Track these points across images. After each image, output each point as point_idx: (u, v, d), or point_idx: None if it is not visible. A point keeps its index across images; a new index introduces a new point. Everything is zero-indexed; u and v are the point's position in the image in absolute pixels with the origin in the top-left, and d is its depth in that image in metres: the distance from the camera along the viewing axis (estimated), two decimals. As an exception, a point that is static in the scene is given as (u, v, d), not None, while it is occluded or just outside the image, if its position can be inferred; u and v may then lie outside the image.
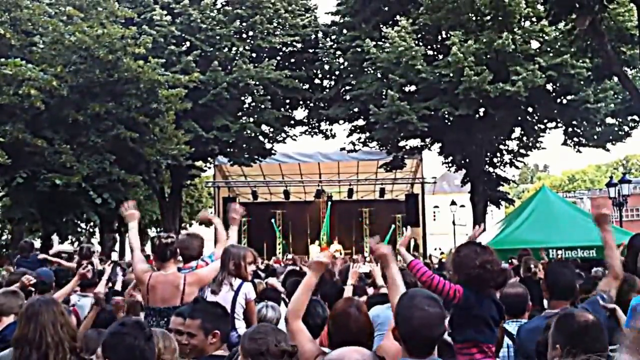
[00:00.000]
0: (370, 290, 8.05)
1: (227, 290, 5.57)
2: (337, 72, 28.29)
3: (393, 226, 34.88)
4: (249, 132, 26.52)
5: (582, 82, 23.34)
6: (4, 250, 31.12)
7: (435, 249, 40.36)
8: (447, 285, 3.81)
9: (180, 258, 6.17)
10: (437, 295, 3.90)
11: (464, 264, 3.90)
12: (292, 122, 30.59)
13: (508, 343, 4.79)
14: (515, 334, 4.83)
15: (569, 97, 24.37)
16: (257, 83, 25.96)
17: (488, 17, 23.77)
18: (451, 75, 22.72)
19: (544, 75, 22.25)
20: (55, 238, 25.78)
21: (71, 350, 3.67)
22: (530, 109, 25.41)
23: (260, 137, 28.58)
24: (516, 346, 4.77)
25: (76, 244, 35.92)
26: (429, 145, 28.58)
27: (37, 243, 26.75)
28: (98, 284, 7.55)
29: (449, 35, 23.70)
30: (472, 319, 3.80)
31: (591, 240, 14.06)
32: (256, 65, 26.11)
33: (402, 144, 27.63)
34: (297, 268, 12.14)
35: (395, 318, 3.20)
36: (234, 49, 26.42)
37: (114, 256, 30.36)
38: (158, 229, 35.24)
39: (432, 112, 23.69)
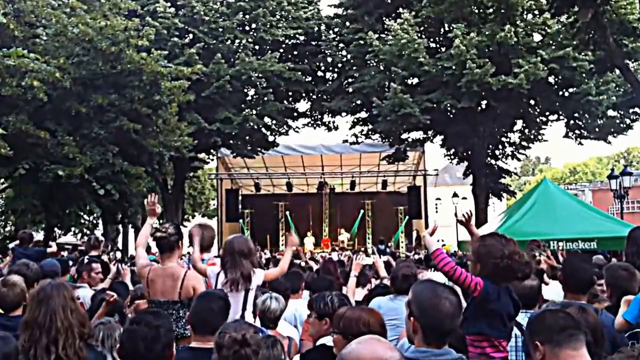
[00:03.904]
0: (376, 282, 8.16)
1: (242, 287, 5.49)
2: (339, 65, 28.29)
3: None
4: (251, 124, 26.54)
5: (584, 75, 23.33)
6: (7, 241, 31.20)
7: (438, 241, 40.34)
8: (469, 277, 3.80)
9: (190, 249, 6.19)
10: (459, 286, 3.95)
11: (491, 255, 3.86)
12: (295, 114, 30.62)
13: (516, 333, 4.77)
14: (525, 324, 4.83)
15: (570, 90, 24.36)
16: (260, 75, 25.97)
17: (490, 10, 23.73)
18: (453, 67, 22.72)
19: (546, 68, 22.23)
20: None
21: (80, 336, 3.67)
22: (532, 102, 25.40)
23: (263, 129, 28.62)
24: (524, 336, 4.77)
25: (79, 235, 36.07)
26: (431, 138, 28.59)
27: (40, 235, 26.83)
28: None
29: (451, 27, 23.66)
30: (488, 313, 3.79)
31: (592, 232, 14.15)
32: (259, 57, 26.13)
33: (404, 136, 27.64)
34: (303, 262, 12.22)
35: (413, 308, 3.20)
36: (237, 41, 26.45)
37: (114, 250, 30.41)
38: (161, 221, 35.33)
39: (435, 105, 23.68)
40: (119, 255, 26.85)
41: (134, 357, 3.35)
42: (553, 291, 7.08)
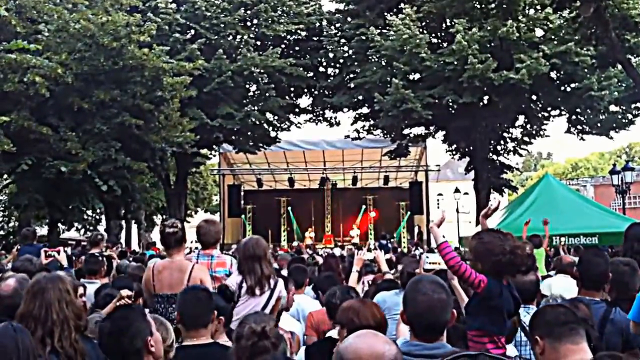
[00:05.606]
0: (369, 277, 8.21)
1: (266, 289, 5.37)
2: (341, 60, 28.26)
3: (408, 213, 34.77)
4: (253, 120, 26.50)
5: (586, 70, 23.32)
6: (11, 237, 31.27)
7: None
8: (473, 274, 3.79)
9: (199, 245, 6.26)
10: (463, 281, 3.98)
11: (492, 251, 3.84)
12: (297, 110, 30.58)
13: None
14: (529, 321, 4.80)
15: (572, 85, 24.33)
16: (262, 71, 25.96)
17: (492, 5, 23.69)
18: (455, 63, 22.69)
19: (548, 63, 22.21)
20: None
21: (76, 328, 3.68)
22: (534, 97, 25.36)
23: (265, 125, 28.56)
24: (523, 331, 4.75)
25: (82, 230, 36.15)
26: (433, 133, 28.55)
27: (44, 230, 26.86)
28: (104, 272, 7.66)
29: (453, 23, 23.64)
30: (490, 310, 3.80)
31: (594, 228, 14.16)
32: (261, 53, 26.11)
33: (406, 131, 27.62)
34: (305, 257, 12.27)
35: (404, 301, 3.29)
36: (239, 37, 26.43)
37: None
38: (164, 216, 35.41)
39: (436, 100, 23.67)
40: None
41: (103, 348, 3.29)
42: (560, 286, 7.07)
